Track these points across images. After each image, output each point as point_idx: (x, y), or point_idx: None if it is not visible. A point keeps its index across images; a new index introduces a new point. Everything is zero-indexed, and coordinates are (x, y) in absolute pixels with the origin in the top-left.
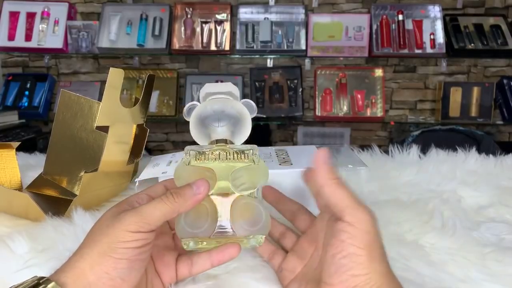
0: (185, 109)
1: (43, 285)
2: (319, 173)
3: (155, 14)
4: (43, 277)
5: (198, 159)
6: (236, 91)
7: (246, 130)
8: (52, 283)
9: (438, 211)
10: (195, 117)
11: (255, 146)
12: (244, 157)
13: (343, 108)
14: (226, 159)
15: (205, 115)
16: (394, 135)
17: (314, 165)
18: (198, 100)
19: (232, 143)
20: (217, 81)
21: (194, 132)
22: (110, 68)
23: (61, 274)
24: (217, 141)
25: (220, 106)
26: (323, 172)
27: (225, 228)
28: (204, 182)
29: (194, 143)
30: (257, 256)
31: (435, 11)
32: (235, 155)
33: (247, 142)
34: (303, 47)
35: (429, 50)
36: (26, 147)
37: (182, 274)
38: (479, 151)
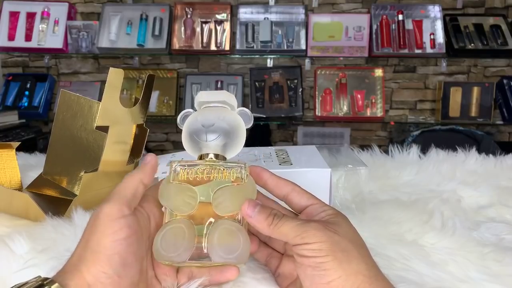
0: (179, 117)
1: (46, 287)
2: (256, 228)
3: (155, 14)
4: (47, 278)
5: (182, 176)
6: (231, 99)
7: (240, 142)
8: (56, 284)
9: (438, 211)
10: (186, 129)
11: (245, 163)
12: (232, 174)
13: (343, 108)
14: (212, 176)
15: (193, 128)
16: (394, 135)
17: (248, 221)
18: (194, 108)
19: (224, 157)
20: (217, 82)
21: (186, 144)
22: (110, 68)
23: (64, 276)
24: (206, 156)
25: (210, 118)
26: (258, 225)
27: (202, 252)
28: (150, 155)
29: None
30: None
31: (435, 11)
32: (223, 171)
33: (245, 145)
34: (303, 47)
35: (429, 50)
36: (26, 147)
37: (182, 282)
38: (479, 151)
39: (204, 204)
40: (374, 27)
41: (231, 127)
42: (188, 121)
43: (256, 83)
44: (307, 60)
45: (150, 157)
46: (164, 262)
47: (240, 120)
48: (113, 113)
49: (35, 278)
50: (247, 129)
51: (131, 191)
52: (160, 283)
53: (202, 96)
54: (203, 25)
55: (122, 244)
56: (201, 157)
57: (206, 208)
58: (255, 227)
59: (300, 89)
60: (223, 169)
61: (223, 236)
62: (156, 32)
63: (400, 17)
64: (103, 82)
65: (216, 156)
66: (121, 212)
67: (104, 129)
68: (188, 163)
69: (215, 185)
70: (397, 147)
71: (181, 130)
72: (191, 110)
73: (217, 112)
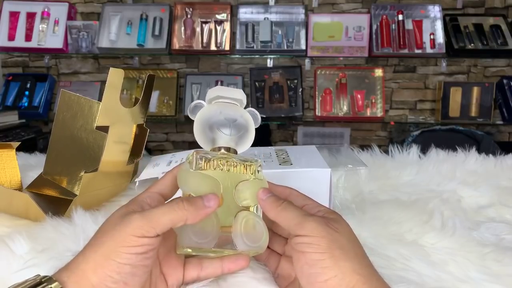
0: (191, 105)
1: (45, 283)
2: (265, 210)
3: (155, 14)
4: (45, 276)
5: (206, 165)
6: (245, 100)
7: (249, 141)
8: (56, 283)
9: (438, 211)
10: (203, 119)
11: (261, 161)
12: (249, 169)
13: (343, 108)
14: (232, 169)
15: (215, 120)
16: (394, 135)
17: (260, 204)
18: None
19: (235, 150)
20: (217, 82)
21: (199, 134)
22: (110, 68)
23: (64, 274)
24: (219, 149)
25: (232, 114)
26: (268, 206)
27: (225, 242)
28: (215, 196)
29: (195, 143)
30: None
31: (435, 11)
32: (241, 166)
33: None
34: (303, 47)
35: (429, 50)
36: (26, 147)
37: (190, 276)
38: (479, 151)
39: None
40: (374, 27)
41: (249, 125)
42: (206, 112)
43: (256, 83)
44: (307, 60)
45: (214, 202)
46: (187, 250)
47: (251, 119)
48: (113, 113)
49: (34, 276)
50: None
51: (170, 225)
52: (165, 280)
53: (220, 91)
54: (203, 25)
55: (137, 257)
56: (214, 150)
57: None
58: (264, 210)
59: (300, 89)
60: (243, 164)
61: (248, 226)
62: (156, 32)
63: (400, 17)
64: (103, 82)
65: (228, 149)
66: (148, 234)
67: (104, 129)
68: (209, 154)
69: (234, 177)
70: (397, 147)
71: (183, 128)
72: (202, 101)
73: (235, 109)
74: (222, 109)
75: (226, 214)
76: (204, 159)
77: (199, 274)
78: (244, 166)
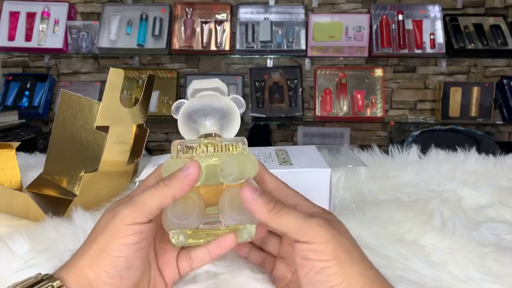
0: (173, 107)
1: (46, 281)
2: (256, 214)
3: (155, 14)
4: (47, 274)
5: (186, 153)
6: (223, 87)
7: (235, 125)
8: (57, 281)
9: (438, 211)
10: (183, 113)
11: (244, 138)
12: (233, 149)
13: (343, 108)
14: (215, 151)
15: (192, 110)
16: (394, 135)
17: (246, 206)
18: (187, 98)
19: (220, 137)
20: None
21: (183, 128)
22: (110, 68)
23: (64, 272)
24: (206, 135)
25: (208, 100)
26: (258, 210)
27: (213, 220)
28: (194, 163)
29: None
30: None
31: (435, 11)
32: (224, 148)
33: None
34: (303, 47)
35: (429, 50)
36: (26, 147)
37: (184, 270)
38: (479, 151)
39: (210, 187)
40: (374, 27)
41: (228, 108)
42: (185, 106)
43: (256, 83)
44: (307, 60)
45: (194, 168)
46: (177, 237)
47: (233, 104)
48: (113, 113)
49: (35, 274)
50: (247, 129)
51: (157, 206)
52: (163, 277)
53: (196, 84)
54: (203, 25)
55: (131, 248)
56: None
57: (212, 189)
58: (253, 212)
59: (300, 89)
60: (225, 144)
61: (234, 200)
62: (156, 32)
63: (400, 17)
64: (103, 82)
65: (211, 135)
66: (138, 220)
67: (104, 129)
68: (190, 142)
69: (218, 159)
70: (397, 147)
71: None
72: (185, 100)
73: (212, 96)
74: (199, 99)
75: (213, 197)
76: (184, 147)
77: (191, 266)
78: (227, 147)
